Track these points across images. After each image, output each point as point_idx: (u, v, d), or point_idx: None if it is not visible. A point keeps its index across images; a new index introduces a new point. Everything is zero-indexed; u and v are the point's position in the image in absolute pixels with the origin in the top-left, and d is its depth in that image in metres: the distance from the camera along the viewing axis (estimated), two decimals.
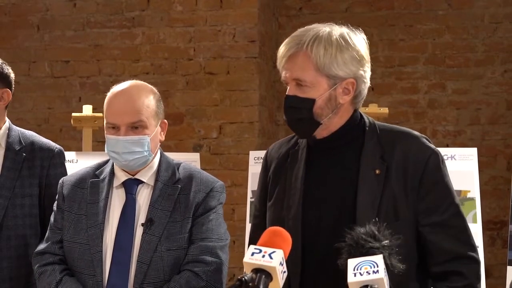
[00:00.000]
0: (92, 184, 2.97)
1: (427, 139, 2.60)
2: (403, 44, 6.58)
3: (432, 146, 2.57)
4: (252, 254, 2.02)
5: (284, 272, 2.03)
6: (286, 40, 2.55)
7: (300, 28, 2.57)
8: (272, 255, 2.01)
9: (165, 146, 3.10)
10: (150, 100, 2.90)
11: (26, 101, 6.48)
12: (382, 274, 2.01)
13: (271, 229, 2.15)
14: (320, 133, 2.57)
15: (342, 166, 2.56)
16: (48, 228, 3.01)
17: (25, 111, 6.46)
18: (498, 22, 6.48)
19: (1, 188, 3.20)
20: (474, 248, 2.53)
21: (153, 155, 2.93)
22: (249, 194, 4.53)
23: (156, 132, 2.92)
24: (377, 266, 2.03)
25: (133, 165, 2.90)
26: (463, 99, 6.50)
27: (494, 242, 6.32)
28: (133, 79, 3.06)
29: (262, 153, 4.67)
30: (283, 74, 2.55)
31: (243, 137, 6.18)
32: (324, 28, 2.53)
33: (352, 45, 2.52)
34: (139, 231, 2.87)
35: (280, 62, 2.55)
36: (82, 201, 2.95)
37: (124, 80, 3.01)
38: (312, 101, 2.50)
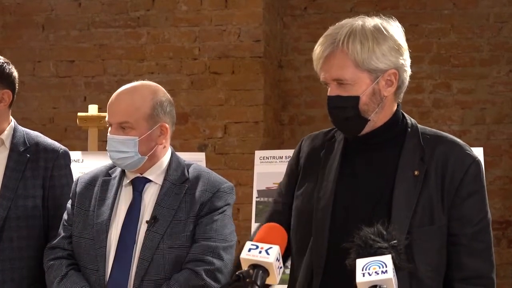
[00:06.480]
0: (104, 182, 3.01)
1: (470, 148, 2.52)
2: (408, 44, 6.47)
3: (474, 155, 2.48)
4: (249, 250, 2.03)
5: (281, 267, 2.04)
6: (320, 40, 2.47)
7: (331, 26, 2.50)
8: (268, 251, 2.02)
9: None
10: (143, 103, 2.92)
11: (31, 101, 6.48)
12: (391, 274, 2.00)
13: (267, 225, 2.15)
14: (364, 129, 2.49)
15: (379, 163, 2.48)
16: (61, 224, 3.06)
17: (30, 111, 6.46)
18: (503, 21, 6.47)
19: (4, 189, 3.17)
20: (494, 267, 2.48)
21: (146, 157, 2.92)
22: (255, 194, 4.52)
23: (149, 134, 2.92)
24: (386, 266, 2.02)
25: (121, 164, 2.94)
26: (468, 99, 6.49)
27: (499, 242, 6.31)
28: (138, 79, 3.07)
29: (267, 153, 4.71)
30: (322, 75, 2.47)
31: (248, 136, 6.17)
32: (357, 22, 2.47)
33: (388, 35, 2.46)
34: (143, 229, 2.89)
35: (317, 64, 2.47)
36: (93, 198, 2.99)
37: (129, 80, 3.03)
38: (356, 99, 2.43)
